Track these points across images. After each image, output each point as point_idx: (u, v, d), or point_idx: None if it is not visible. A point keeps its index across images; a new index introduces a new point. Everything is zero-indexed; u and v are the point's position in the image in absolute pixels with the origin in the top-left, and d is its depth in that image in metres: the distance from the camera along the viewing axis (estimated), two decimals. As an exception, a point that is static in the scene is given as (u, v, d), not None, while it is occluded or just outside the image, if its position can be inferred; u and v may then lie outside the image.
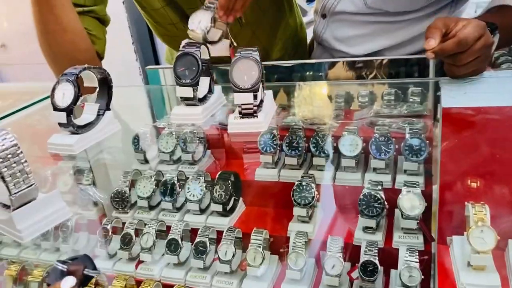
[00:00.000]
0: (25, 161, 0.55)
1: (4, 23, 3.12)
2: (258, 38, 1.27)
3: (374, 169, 0.82)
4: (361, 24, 1.19)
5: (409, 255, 0.67)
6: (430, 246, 0.72)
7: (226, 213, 0.86)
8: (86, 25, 1.07)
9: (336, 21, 1.23)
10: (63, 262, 0.56)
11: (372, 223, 0.74)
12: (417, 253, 0.68)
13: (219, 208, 0.85)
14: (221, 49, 0.86)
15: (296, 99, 1.06)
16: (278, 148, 0.88)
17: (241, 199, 0.90)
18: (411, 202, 0.73)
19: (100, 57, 1.12)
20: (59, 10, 0.98)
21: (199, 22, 0.80)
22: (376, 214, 0.74)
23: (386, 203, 0.74)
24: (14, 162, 0.53)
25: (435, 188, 0.74)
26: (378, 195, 0.74)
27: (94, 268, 0.59)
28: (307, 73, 1.17)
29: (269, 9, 1.29)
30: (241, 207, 0.90)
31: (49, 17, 0.99)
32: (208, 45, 0.80)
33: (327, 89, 1.13)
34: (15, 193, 0.54)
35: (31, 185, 0.56)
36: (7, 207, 0.56)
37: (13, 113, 1.11)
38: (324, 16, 1.25)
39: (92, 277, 0.58)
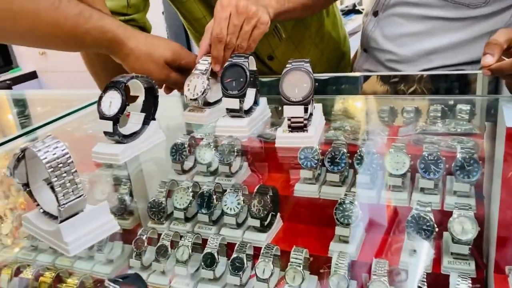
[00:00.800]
0: (75, 171, 0.53)
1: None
2: (300, 52, 1.25)
3: (422, 189, 0.78)
4: (417, 19, 1.13)
5: (462, 282, 0.63)
6: (482, 274, 0.68)
7: (263, 228, 0.84)
8: (135, 16, 1.06)
9: (388, 16, 1.18)
10: (115, 281, 0.55)
11: (419, 246, 0.70)
12: (470, 281, 0.63)
13: (256, 223, 0.83)
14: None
15: (338, 113, 1.03)
16: (319, 164, 0.85)
17: (278, 214, 0.87)
18: (462, 226, 0.68)
19: None
20: None
21: (194, 88, 0.76)
22: (425, 237, 0.70)
23: (435, 225, 0.70)
24: (65, 172, 0.52)
25: (491, 211, 0.69)
26: (427, 217, 0.70)
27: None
28: (349, 86, 1.14)
29: (311, 23, 1.27)
30: (278, 223, 0.87)
31: None
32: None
33: (370, 103, 1.10)
34: (63, 204, 0.53)
35: (80, 196, 0.55)
36: (54, 217, 0.55)
37: (53, 121, 1.12)
38: (376, 13, 1.20)
39: None
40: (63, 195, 0.52)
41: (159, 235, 0.87)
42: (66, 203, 0.53)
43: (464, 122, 0.94)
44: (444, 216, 0.72)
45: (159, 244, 0.85)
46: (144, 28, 1.13)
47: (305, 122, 0.62)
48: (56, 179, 0.51)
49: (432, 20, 1.12)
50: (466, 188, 0.75)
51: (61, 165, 0.51)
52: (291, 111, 0.61)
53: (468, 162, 0.75)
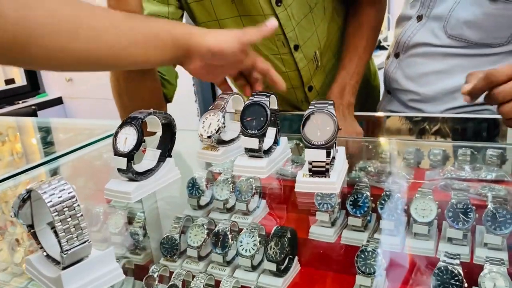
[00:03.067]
0: (81, 215, 0.51)
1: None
2: (331, 82, 1.24)
3: (450, 239, 0.74)
4: (438, 57, 1.12)
5: None
6: (516, 337, 0.62)
7: (279, 273, 0.80)
8: (160, 69, 1.06)
9: (409, 57, 1.18)
10: None
11: (447, 302, 0.65)
12: None
13: (272, 267, 0.79)
14: None
15: (361, 154, 1.00)
16: (337, 206, 0.81)
17: (296, 258, 0.83)
18: (494, 283, 0.63)
19: (168, 100, 1.11)
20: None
21: (209, 126, 0.75)
22: (452, 293, 0.65)
23: (465, 280, 0.65)
24: (70, 216, 0.49)
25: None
26: (455, 271, 0.65)
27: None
28: (372, 126, 1.11)
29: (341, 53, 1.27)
30: (295, 268, 0.83)
31: None
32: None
33: (396, 144, 1.06)
34: (66, 250, 0.50)
35: (85, 241, 0.52)
36: (57, 262, 0.52)
37: (74, 150, 1.12)
38: (397, 55, 1.21)
39: None
40: (67, 241, 0.49)
41: (171, 273, 0.84)
42: (70, 249, 0.50)
43: (494, 168, 0.89)
44: (473, 270, 0.67)
45: (170, 283, 0.81)
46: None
47: (327, 166, 0.59)
48: (60, 223, 0.48)
49: (454, 58, 1.10)
50: (498, 241, 0.70)
51: (66, 209, 0.48)
52: (313, 155, 0.58)
53: (501, 212, 0.70)
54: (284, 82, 0.96)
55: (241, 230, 0.85)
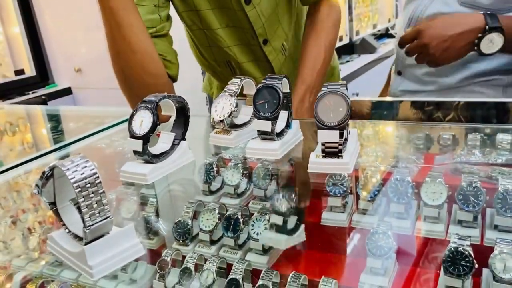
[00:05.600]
0: (103, 192, 0.52)
1: (82, 48, 3.31)
2: (296, 68, 1.29)
3: (460, 222, 0.74)
4: None
5: (504, 326, 0.58)
6: (526, 317, 0.63)
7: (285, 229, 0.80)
8: (159, 50, 1.07)
9: None
10: None
11: (458, 283, 0.66)
12: (514, 325, 0.59)
13: (279, 220, 0.80)
14: None
15: (371, 138, 1.00)
16: (349, 191, 0.82)
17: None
18: (505, 263, 0.64)
19: (174, 80, 1.13)
20: (127, 30, 0.98)
21: (222, 109, 0.75)
22: (463, 274, 0.65)
23: (475, 262, 0.66)
24: (92, 193, 0.50)
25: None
26: (466, 252, 0.66)
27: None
28: (383, 111, 1.11)
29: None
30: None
31: (118, 37, 0.99)
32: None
33: (405, 129, 1.06)
34: (89, 226, 0.51)
35: (107, 217, 0.53)
36: (79, 238, 0.54)
37: (85, 137, 1.13)
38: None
39: None
40: (89, 216, 0.51)
41: (184, 257, 0.85)
42: (92, 224, 0.51)
43: (505, 152, 0.89)
44: (484, 252, 0.67)
45: (183, 266, 0.83)
46: (170, 39, 1.16)
47: (340, 147, 0.59)
48: (83, 199, 0.49)
49: None
50: (508, 223, 0.70)
51: (88, 185, 0.50)
52: (326, 136, 0.59)
53: (511, 195, 0.70)
54: None
55: (252, 214, 0.86)
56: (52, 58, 3.46)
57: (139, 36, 1.01)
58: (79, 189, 0.49)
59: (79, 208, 0.50)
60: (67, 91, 3.50)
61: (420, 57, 1.06)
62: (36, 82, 3.39)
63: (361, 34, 3.79)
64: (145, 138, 0.63)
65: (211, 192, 0.98)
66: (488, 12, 1.04)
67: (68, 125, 1.73)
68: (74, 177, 0.49)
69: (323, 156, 0.61)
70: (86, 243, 0.52)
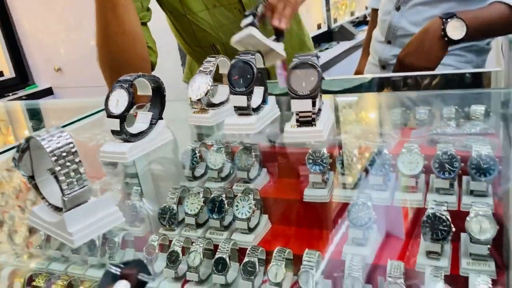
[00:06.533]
0: (79, 161, 0.53)
1: (61, 47, 3.27)
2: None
3: (437, 190, 0.76)
4: (434, 3, 1.30)
5: (481, 283, 0.61)
6: (503, 275, 0.65)
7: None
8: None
9: (412, 7, 1.36)
10: (117, 266, 0.53)
11: (437, 247, 0.68)
12: (490, 282, 0.61)
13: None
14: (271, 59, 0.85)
15: (349, 114, 1.02)
16: (328, 167, 0.83)
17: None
18: (480, 225, 0.66)
19: (153, 68, 1.14)
20: (121, 11, 0.98)
21: (198, 89, 0.76)
22: (441, 238, 0.68)
23: (452, 225, 0.68)
24: (69, 161, 0.51)
25: (510, 209, 0.67)
26: (443, 216, 0.68)
27: (148, 273, 0.55)
28: (360, 87, 1.13)
29: None
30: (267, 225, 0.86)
31: (111, 17, 0.99)
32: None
33: (383, 104, 1.08)
34: (67, 194, 0.52)
35: (84, 186, 0.54)
36: (59, 209, 0.54)
37: (64, 126, 1.13)
38: (398, 8, 1.39)
39: (146, 282, 0.54)
40: (67, 185, 0.51)
41: (170, 241, 0.86)
42: (70, 193, 0.52)
43: (479, 122, 0.92)
44: (461, 217, 0.70)
45: (170, 250, 0.84)
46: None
47: (314, 116, 0.61)
48: (59, 168, 0.50)
49: (449, 2, 1.28)
50: (483, 187, 0.73)
51: (65, 154, 0.50)
52: (299, 105, 0.60)
53: (484, 160, 0.73)
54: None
55: (236, 196, 0.88)
56: (31, 59, 3.42)
57: (132, 17, 1.02)
58: (55, 157, 0.50)
59: (56, 178, 0.50)
60: (48, 92, 3.45)
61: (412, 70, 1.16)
62: (16, 83, 3.35)
63: (339, 21, 3.82)
64: (122, 117, 0.64)
65: (195, 178, 0.99)
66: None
67: (49, 120, 1.71)
68: (49, 146, 0.50)
69: (298, 126, 0.62)
70: (65, 211, 0.53)
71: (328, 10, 3.72)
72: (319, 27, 3.63)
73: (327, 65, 3.29)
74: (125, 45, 1.01)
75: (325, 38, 3.78)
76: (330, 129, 0.68)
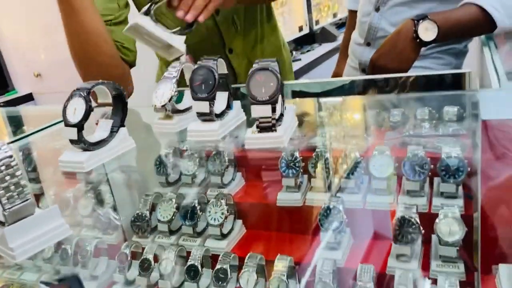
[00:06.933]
0: (20, 174, 0.51)
1: (41, 53, 3.23)
2: (246, 47, 1.35)
3: (408, 192, 0.76)
4: (415, 3, 1.30)
5: (449, 286, 0.61)
6: (472, 277, 0.65)
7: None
8: (117, 37, 1.08)
9: (391, 8, 1.36)
10: (47, 284, 0.52)
11: (406, 250, 0.68)
12: (458, 283, 0.61)
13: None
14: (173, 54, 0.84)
15: (321, 118, 1.02)
16: (301, 171, 0.83)
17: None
18: (449, 227, 0.66)
19: (131, 66, 1.13)
20: (82, 14, 1.00)
21: (162, 95, 0.75)
22: (411, 240, 0.68)
23: (421, 228, 0.68)
24: (8, 175, 0.49)
25: (477, 212, 0.67)
26: (412, 219, 0.68)
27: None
28: (333, 90, 1.13)
29: (257, 22, 1.36)
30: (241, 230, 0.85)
31: (72, 19, 1.01)
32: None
33: (356, 106, 1.08)
34: (8, 208, 0.50)
35: (27, 200, 0.52)
36: (2, 223, 0.53)
37: (34, 133, 1.11)
38: (377, 9, 1.39)
39: None
40: (7, 199, 0.50)
41: (143, 249, 0.85)
42: (11, 207, 0.51)
43: (451, 123, 0.92)
44: (432, 219, 0.70)
45: (142, 258, 0.83)
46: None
47: (273, 122, 0.60)
48: None
49: (429, 2, 1.28)
50: (452, 189, 0.73)
51: (3, 167, 0.49)
52: (259, 111, 0.60)
53: (453, 161, 0.73)
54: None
55: (209, 201, 0.87)
56: (10, 64, 3.37)
57: (94, 18, 1.03)
58: None
59: None
60: (28, 97, 3.40)
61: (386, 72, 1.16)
62: (-6, 90, 3.30)
63: (322, 23, 3.83)
64: (79, 126, 0.62)
65: (169, 184, 0.98)
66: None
67: (29, 126, 1.68)
68: None
69: (258, 131, 0.61)
70: (7, 226, 0.51)
71: (309, 12, 3.73)
72: (300, 29, 3.63)
73: (309, 67, 3.29)
74: (88, 44, 1.03)
75: (307, 40, 3.79)
76: (291, 134, 0.68)
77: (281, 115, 0.64)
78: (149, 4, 0.88)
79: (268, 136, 0.61)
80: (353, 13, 1.76)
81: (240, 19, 1.33)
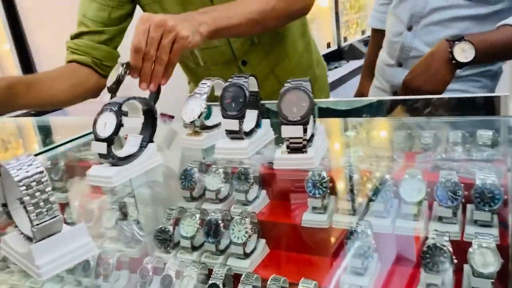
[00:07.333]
0: (50, 191, 0.51)
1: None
2: (270, 62, 1.27)
3: (440, 218, 0.73)
4: (450, 22, 1.28)
5: (483, 321, 0.57)
6: (507, 312, 0.62)
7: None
8: (100, 56, 1.11)
9: (424, 27, 1.35)
10: None
11: (437, 279, 0.65)
12: (493, 320, 0.58)
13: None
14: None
15: (351, 138, 1.00)
16: (328, 191, 0.81)
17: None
18: (484, 258, 0.63)
19: None
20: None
21: (192, 111, 0.75)
22: (442, 270, 0.65)
23: (454, 257, 0.65)
24: (38, 191, 0.49)
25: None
26: (445, 248, 0.65)
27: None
28: (364, 109, 1.11)
29: (285, 37, 1.31)
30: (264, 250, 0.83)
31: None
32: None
33: (386, 127, 1.06)
34: (36, 225, 0.50)
35: (55, 216, 0.52)
36: (30, 239, 0.52)
37: (63, 144, 1.12)
38: (410, 28, 1.37)
39: None
40: (36, 215, 0.50)
41: (165, 264, 0.84)
42: (40, 223, 0.50)
43: (486, 148, 0.89)
44: (464, 247, 0.67)
45: (163, 274, 0.82)
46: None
47: (304, 142, 0.59)
48: (28, 198, 0.48)
49: (463, 21, 1.27)
50: (487, 217, 0.70)
51: (34, 183, 0.49)
52: (290, 131, 0.58)
53: (489, 188, 0.70)
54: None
55: (233, 218, 0.85)
56: (42, 74, 3.46)
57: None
58: (24, 187, 0.48)
59: (25, 208, 0.49)
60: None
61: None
62: (27, 98, 3.38)
63: (350, 40, 3.82)
64: (109, 140, 0.62)
65: (193, 199, 0.97)
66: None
67: (57, 136, 1.72)
68: (18, 175, 0.48)
69: (288, 152, 0.60)
70: (35, 242, 0.51)
71: (338, 28, 3.73)
72: (328, 45, 3.63)
73: (336, 84, 3.28)
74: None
75: (334, 56, 3.78)
76: (322, 155, 0.66)
77: (312, 135, 0.63)
78: (114, 82, 0.88)
79: (299, 157, 0.60)
80: (376, 32, 1.73)
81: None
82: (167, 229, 0.89)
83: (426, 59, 1.14)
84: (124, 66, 0.88)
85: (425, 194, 0.74)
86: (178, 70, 1.46)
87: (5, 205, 0.54)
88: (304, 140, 0.59)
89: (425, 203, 0.77)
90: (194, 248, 0.88)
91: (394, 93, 1.49)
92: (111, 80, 0.87)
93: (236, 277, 0.79)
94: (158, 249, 0.90)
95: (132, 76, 0.90)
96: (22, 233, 0.54)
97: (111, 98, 0.88)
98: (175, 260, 0.84)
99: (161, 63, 0.89)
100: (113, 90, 0.87)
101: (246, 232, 0.81)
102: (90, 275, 0.91)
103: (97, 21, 1.12)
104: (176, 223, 0.91)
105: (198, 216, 0.87)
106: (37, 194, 0.49)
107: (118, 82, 0.85)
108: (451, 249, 0.65)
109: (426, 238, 0.69)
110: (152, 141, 0.70)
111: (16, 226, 0.55)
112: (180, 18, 0.93)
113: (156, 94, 0.93)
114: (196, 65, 1.36)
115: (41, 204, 0.49)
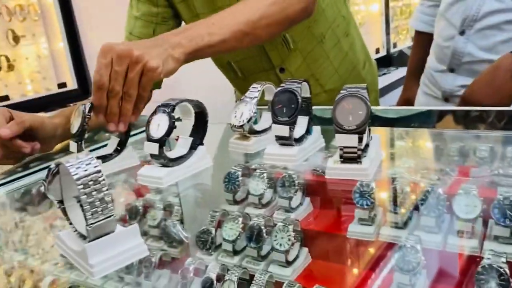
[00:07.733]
0: (107, 190, 0.52)
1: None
2: (309, 65, 1.23)
3: (496, 238, 0.69)
4: (505, 25, 1.23)
5: None
6: None
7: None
8: None
9: (478, 31, 1.29)
10: None
11: (492, 303, 0.61)
12: None
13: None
14: None
15: (402, 148, 0.97)
16: (376, 203, 0.78)
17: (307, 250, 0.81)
18: (545, 283, 0.59)
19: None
20: None
21: (241, 115, 0.72)
22: (498, 293, 0.61)
23: (511, 280, 0.61)
24: (95, 190, 0.50)
25: None
26: (501, 269, 0.61)
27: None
28: (415, 119, 1.07)
29: (326, 38, 1.26)
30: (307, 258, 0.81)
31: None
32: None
33: (440, 139, 1.02)
34: (91, 224, 0.51)
35: (110, 216, 0.53)
36: (84, 237, 0.53)
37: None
38: (463, 32, 1.32)
39: None
40: (92, 214, 0.50)
41: (207, 266, 0.84)
42: (95, 222, 0.51)
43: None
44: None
45: (204, 276, 0.82)
46: None
47: (359, 153, 0.57)
48: (85, 196, 0.49)
49: None
50: (549, 240, 0.65)
51: (91, 182, 0.49)
52: (344, 140, 0.56)
53: (552, 209, 0.65)
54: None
55: (276, 225, 0.84)
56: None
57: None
58: (82, 186, 0.49)
59: (81, 206, 0.50)
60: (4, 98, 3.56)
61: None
62: (78, 94, 3.50)
63: (399, 46, 3.74)
64: (161, 141, 0.63)
65: (236, 202, 0.97)
66: None
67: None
68: (77, 174, 0.49)
69: (341, 162, 0.58)
70: (89, 241, 0.52)
71: (388, 34, 3.65)
72: (377, 51, 3.56)
73: (384, 91, 3.20)
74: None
75: (383, 62, 3.71)
76: (377, 167, 0.64)
77: (367, 145, 0.61)
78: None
79: (352, 168, 0.58)
80: (421, 35, 1.67)
81: (294, 37, 1.26)
82: (209, 231, 0.89)
83: (488, 73, 1.08)
84: (88, 107, 0.79)
85: (480, 211, 0.70)
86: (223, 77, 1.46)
87: (61, 202, 0.55)
88: (358, 150, 0.57)
89: (479, 221, 0.73)
90: (235, 252, 0.87)
91: (446, 100, 1.43)
92: (76, 125, 0.79)
93: (277, 285, 0.77)
94: (200, 250, 0.90)
95: (97, 117, 0.82)
96: (76, 231, 0.55)
97: (78, 145, 0.80)
98: (216, 263, 0.84)
99: (130, 100, 0.80)
100: (80, 137, 0.79)
101: (289, 240, 0.80)
102: (132, 272, 0.93)
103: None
104: (219, 225, 0.91)
105: (240, 220, 0.87)
106: (94, 193, 0.50)
107: (83, 126, 0.76)
108: (508, 272, 0.61)
109: (481, 258, 0.66)
110: (202, 144, 0.70)
111: (70, 223, 0.56)
112: (148, 44, 0.86)
113: (125, 135, 0.86)
114: (235, 76, 1.35)
115: (97, 203, 0.50)
